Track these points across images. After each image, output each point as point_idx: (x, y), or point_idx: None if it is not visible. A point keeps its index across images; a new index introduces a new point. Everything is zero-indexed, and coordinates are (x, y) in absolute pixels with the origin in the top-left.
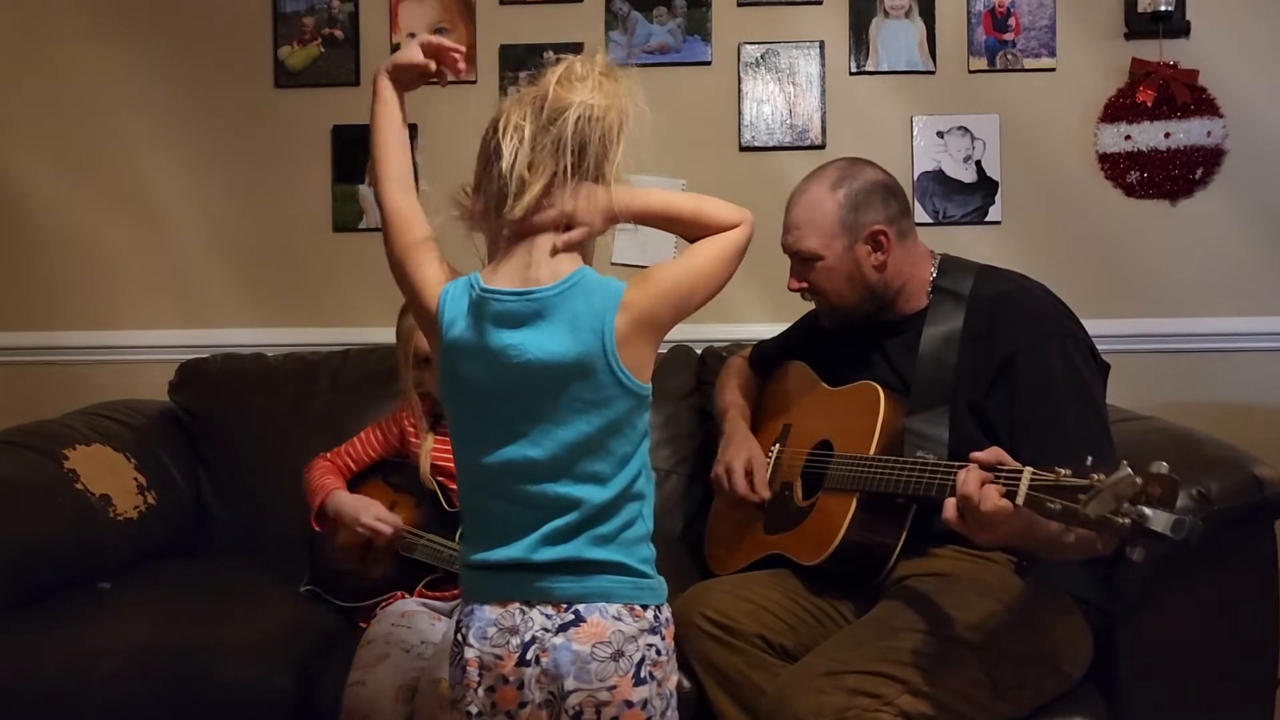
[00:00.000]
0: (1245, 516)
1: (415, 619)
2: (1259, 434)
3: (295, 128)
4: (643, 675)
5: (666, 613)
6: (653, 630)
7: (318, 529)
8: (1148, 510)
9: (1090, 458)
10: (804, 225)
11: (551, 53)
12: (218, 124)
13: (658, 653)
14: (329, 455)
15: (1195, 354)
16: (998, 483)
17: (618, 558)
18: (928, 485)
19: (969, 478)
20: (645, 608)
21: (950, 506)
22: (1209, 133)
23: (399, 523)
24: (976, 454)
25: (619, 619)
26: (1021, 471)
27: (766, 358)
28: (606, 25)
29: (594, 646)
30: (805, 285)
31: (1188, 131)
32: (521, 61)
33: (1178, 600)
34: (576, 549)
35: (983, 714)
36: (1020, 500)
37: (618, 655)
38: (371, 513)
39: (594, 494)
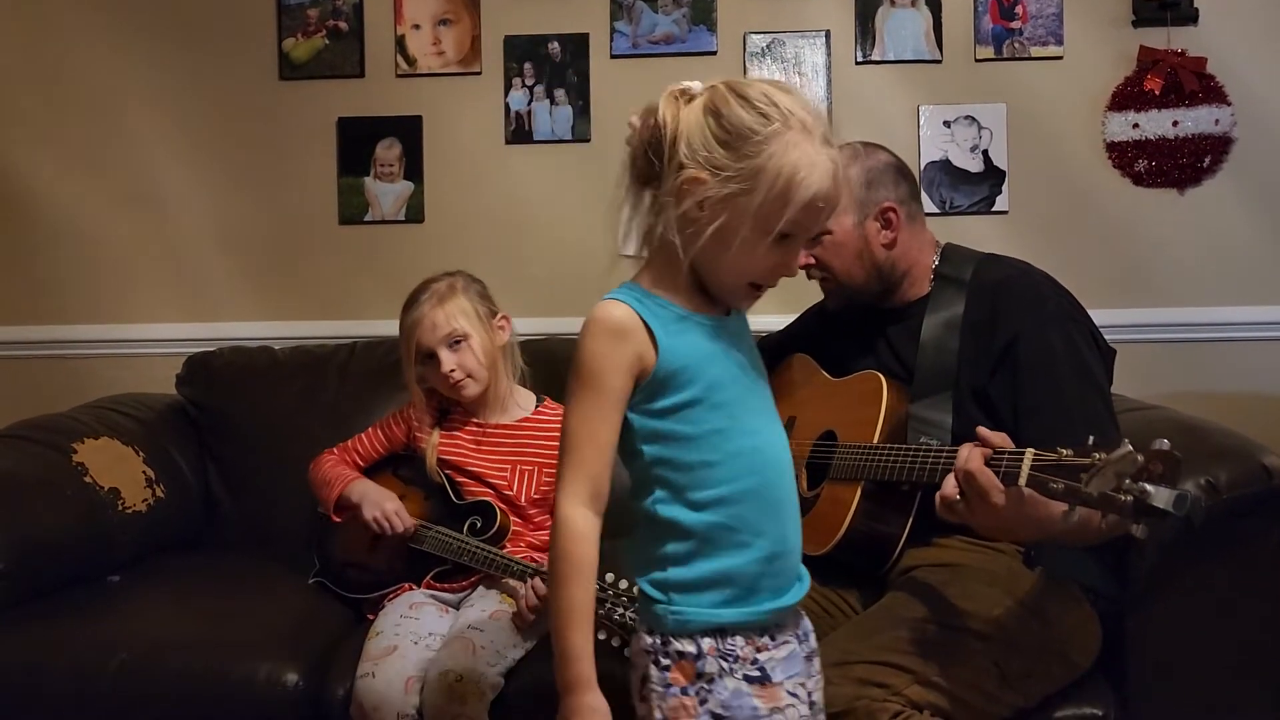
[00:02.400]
0: (1254, 506)
1: (423, 611)
2: (1267, 423)
3: (300, 120)
4: (644, 693)
5: (682, 646)
6: (647, 652)
7: (337, 519)
8: (1149, 487)
9: (1093, 438)
10: None
11: (556, 44)
12: (222, 117)
13: (645, 679)
14: (335, 451)
15: (1203, 343)
16: (1000, 464)
17: (634, 576)
18: (931, 470)
19: (960, 453)
20: (651, 632)
21: (948, 484)
22: (1217, 121)
23: (411, 526)
24: (984, 431)
25: (640, 632)
26: (1024, 453)
27: (769, 352)
28: (612, 15)
29: None
30: (812, 260)
31: (1196, 120)
32: (526, 53)
33: (1186, 590)
34: None
35: (991, 704)
36: (1023, 481)
37: (633, 665)
38: (391, 505)
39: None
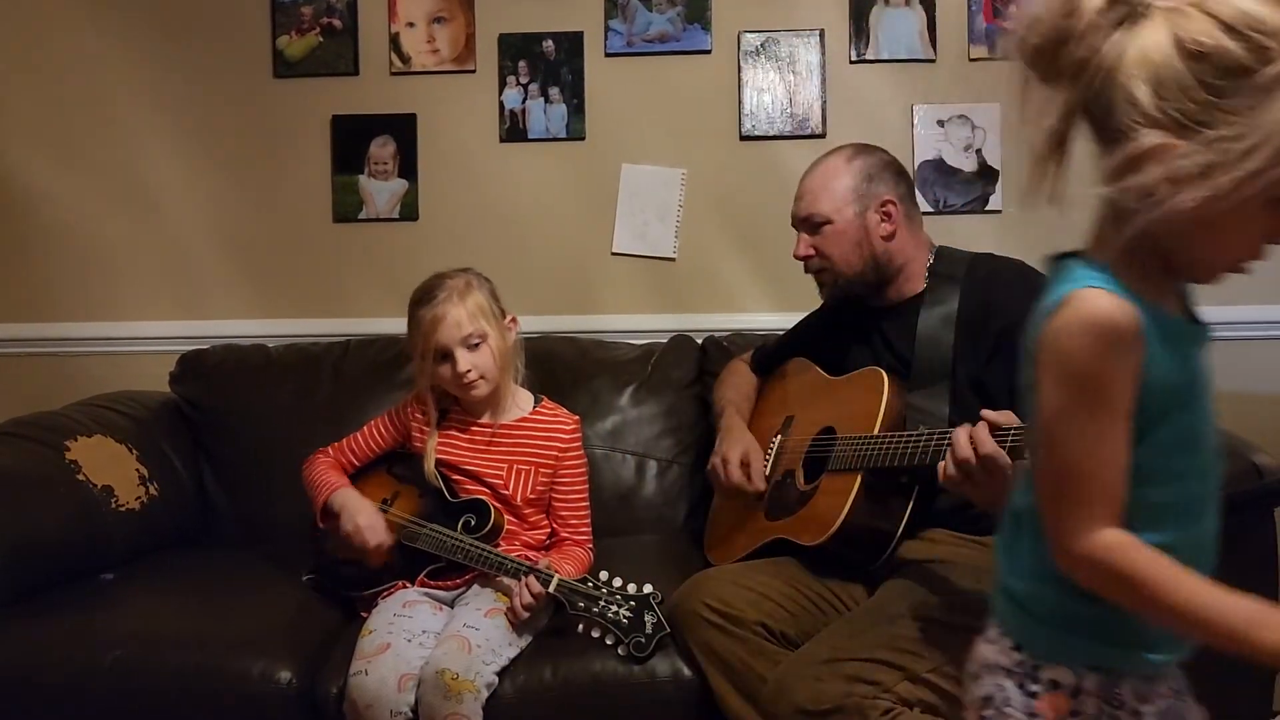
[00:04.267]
0: (1244, 504)
1: (417, 609)
2: (1258, 422)
3: (294, 118)
4: (991, 711)
5: (1054, 675)
6: (1010, 674)
7: (323, 526)
8: None
9: None
10: (818, 191)
11: (551, 42)
12: (216, 114)
13: (994, 698)
14: (330, 450)
15: None
16: (1005, 440)
17: (1006, 578)
18: (924, 453)
19: (958, 433)
20: (1018, 649)
21: (954, 458)
22: None
23: (385, 542)
24: (988, 412)
25: (991, 640)
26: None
27: (767, 358)
28: (606, 13)
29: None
30: (812, 253)
31: None
32: (520, 51)
33: None
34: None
35: None
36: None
37: (975, 677)
38: (364, 520)
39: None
